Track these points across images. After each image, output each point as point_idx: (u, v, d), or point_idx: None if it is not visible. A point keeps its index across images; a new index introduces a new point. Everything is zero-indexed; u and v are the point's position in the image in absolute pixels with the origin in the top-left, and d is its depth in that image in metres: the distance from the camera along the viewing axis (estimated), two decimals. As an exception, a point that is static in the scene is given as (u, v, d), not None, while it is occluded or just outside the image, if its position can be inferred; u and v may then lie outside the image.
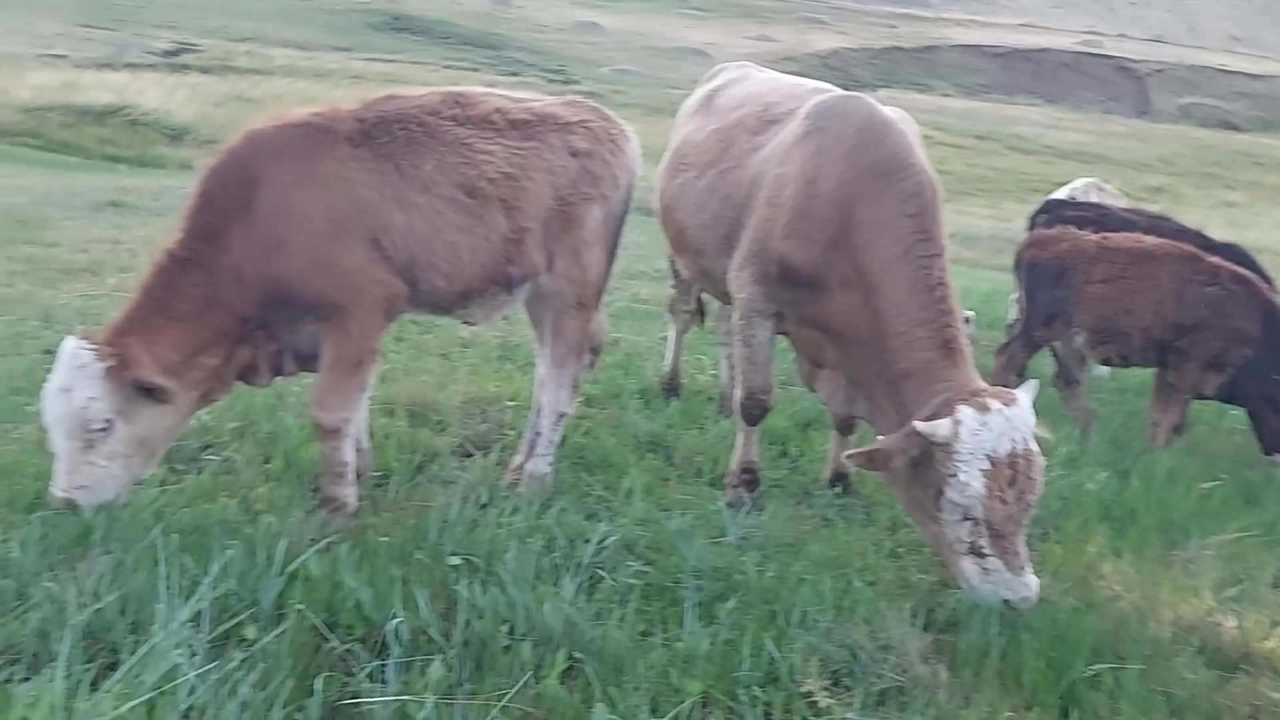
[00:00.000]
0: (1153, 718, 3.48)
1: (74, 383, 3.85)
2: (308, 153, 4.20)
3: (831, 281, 4.60)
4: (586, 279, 4.85)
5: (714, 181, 5.25)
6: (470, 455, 5.25)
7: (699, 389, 7.01)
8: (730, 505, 4.91)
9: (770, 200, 4.81)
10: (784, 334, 5.14)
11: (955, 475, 3.92)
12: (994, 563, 3.94)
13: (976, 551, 3.95)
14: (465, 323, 5.05)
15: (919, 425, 4.02)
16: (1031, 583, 3.95)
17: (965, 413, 3.97)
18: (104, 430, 3.91)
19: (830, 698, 3.30)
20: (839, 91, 5.24)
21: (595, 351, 5.48)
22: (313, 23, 55.63)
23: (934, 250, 4.46)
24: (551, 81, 39.95)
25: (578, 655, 3.34)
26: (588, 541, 4.09)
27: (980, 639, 3.70)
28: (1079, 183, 11.06)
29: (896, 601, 3.92)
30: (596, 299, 5.03)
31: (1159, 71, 73.75)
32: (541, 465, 4.93)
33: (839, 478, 5.37)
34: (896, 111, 5.07)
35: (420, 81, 25.75)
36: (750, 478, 5.12)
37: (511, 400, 6.01)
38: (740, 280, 5.00)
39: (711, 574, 4.00)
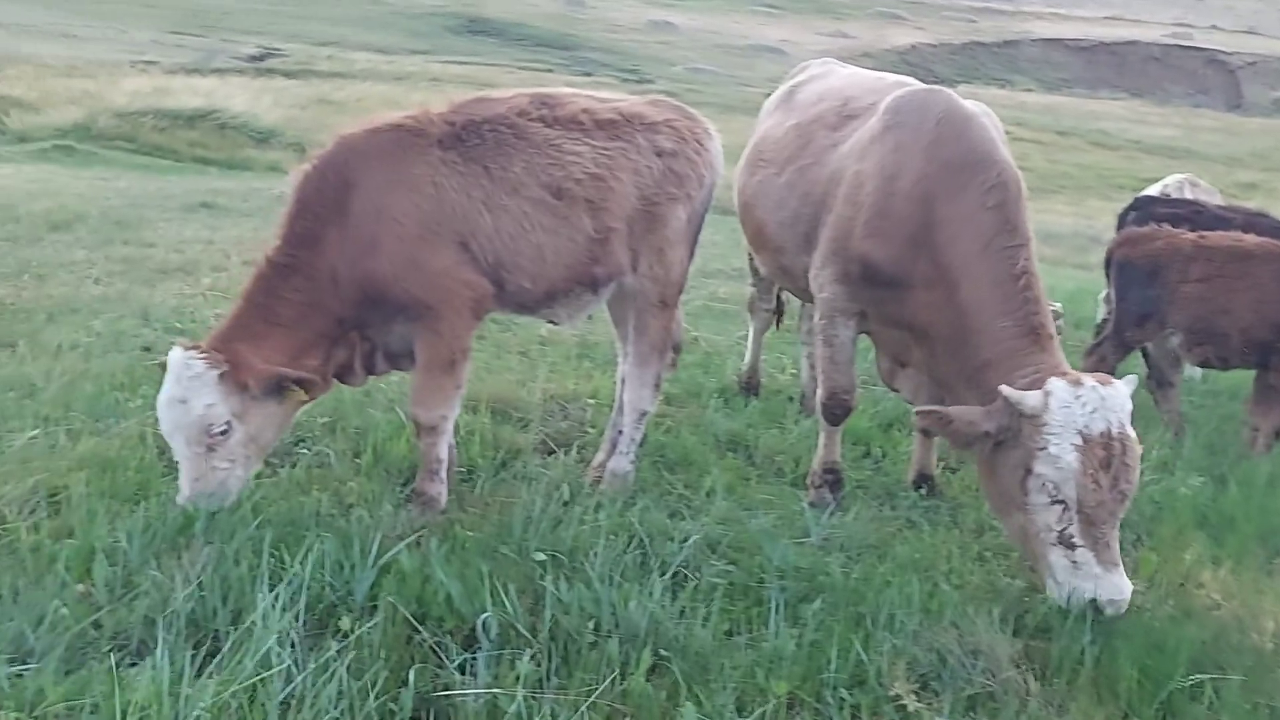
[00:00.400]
0: (1255, 730, 3.38)
1: (190, 392, 3.96)
2: (399, 156, 4.27)
3: (914, 280, 4.52)
4: (670, 278, 4.86)
5: (793, 178, 5.19)
6: (552, 452, 5.31)
7: (779, 388, 6.97)
8: (813, 506, 4.88)
9: (849, 198, 4.75)
10: (865, 333, 5.07)
11: (1045, 448, 3.78)
12: (1084, 554, 3.77)
13: (1066, 542, 3.80)
14: (549, 322, 5.09)
15: (1006, 391, 3.89)
16: (1124, 585, 3.77)
17: (1056, 384, 3.85)
18: (224, 433, 4.03)
19: (919, 701, 3.28)
20: (920, 85, 5.15)
21: (676, 350, 5.49)
22: (392, 27, 56.64)
23: (1018, 240, 4.34)
24: (625, 81, 40.04)
25: (663, 653, 3.35)
26: (671, 540, 4.11)
27: (1073, 646, 3.61)
28: (1172, 179, 10.66)
29: (984, 605, 3.84)
30: (678, 297, 5.04)
31: (1251, 64, 71.13)
32: (624, 463, 4.96)
33: (923, 479, 5.30)
34: (978, 105, 4.96)
35: (498, 83, 26.02)
36: (833, 478, 5.08)
37: (592, 398, 6.05)
38: (821, 279, 4.95)
39: (795, 574, 3.98)
